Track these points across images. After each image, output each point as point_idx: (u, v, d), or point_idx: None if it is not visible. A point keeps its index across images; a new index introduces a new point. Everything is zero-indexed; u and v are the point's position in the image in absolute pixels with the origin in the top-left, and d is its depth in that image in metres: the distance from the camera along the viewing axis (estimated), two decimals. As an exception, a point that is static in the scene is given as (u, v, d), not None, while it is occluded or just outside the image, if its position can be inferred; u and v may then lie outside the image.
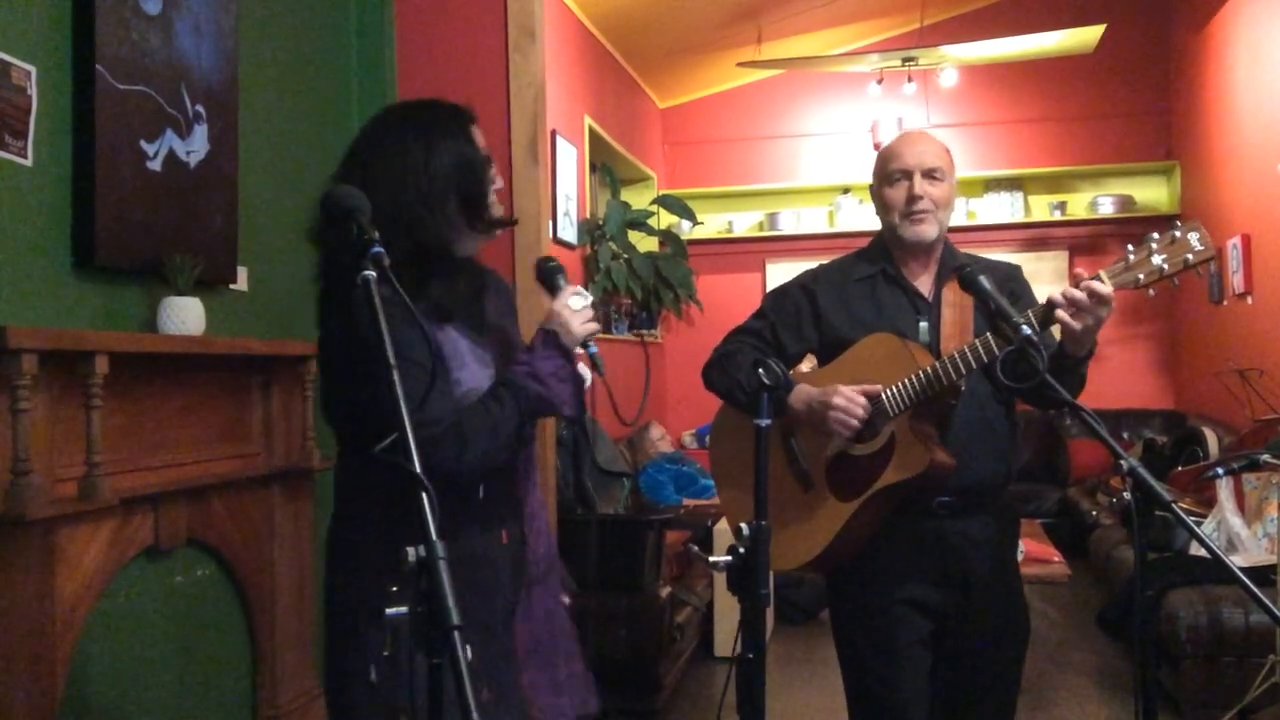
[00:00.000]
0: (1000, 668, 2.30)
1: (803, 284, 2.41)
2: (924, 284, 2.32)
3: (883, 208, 2.34)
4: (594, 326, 1.82)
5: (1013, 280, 2.35)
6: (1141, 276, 2.00)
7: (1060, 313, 1.97)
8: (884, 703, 2.24)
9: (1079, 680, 4.54)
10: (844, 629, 2.33)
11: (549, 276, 1.90)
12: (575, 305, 1.81)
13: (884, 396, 2.16)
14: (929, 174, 2.27)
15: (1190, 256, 1.98)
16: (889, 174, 2.31)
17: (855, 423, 2.15)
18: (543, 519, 1.97)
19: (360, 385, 1.66)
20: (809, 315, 2.36)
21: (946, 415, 2.20)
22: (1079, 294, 1.97)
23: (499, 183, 1.88)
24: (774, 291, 2.48)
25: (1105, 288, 1.97)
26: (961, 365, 2.08)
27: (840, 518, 2.21)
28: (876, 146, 7.86)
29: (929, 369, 2.11)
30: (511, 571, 1.85)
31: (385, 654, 1.67)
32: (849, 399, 2.15)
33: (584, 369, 1.87)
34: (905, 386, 2.14)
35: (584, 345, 1.82)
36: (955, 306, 2.27)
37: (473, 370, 1.76)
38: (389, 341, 1.37)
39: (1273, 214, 5.66)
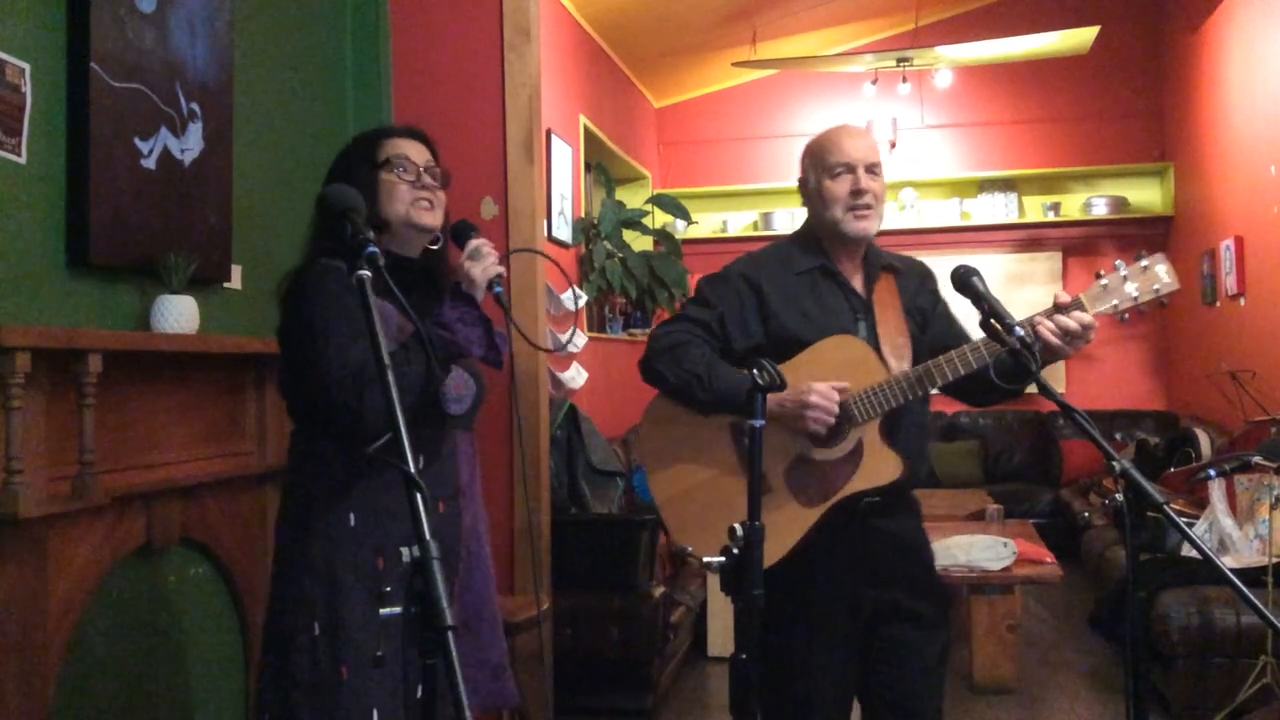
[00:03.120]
0: (931, 654, 2.29)
1: (744, 274, 2.31)
2: (856, 282, 2.31)
3: (822, 202, 2.28)
4: (496, 270, 1.99)
5: (925, 281, 2.39)
6: (1118, 303, 2.10)
7: (1056, 341, 2.04)
8: (806, 700, 2.21)
9: (1070, 681, 4.55)
10: (773, 628, 2.21)
11: (457, 237, 2.06)
12: (475, 256, 1.98)
13: (853, 402, 2.15)
14: (871, 168, 2.25)
15: (1159, 288, 2.10)
16: (829, 166, 2.26)
17: (831, 420, 2.14)
18: (478, 504, 2.14)
19: (313, 340, 1.87)
20: (754, 309, 2.28)
21: (899, 419, 2.22)
22: (1073, 325, 2.05)
23: (424, 180, 2.03)
24: (714, 280, 2.35)
25: (1090, 319, 2.06)
26: (944, 372, 2.12)
27: (805, 523, 2.18)
28: (871, 147, 7.87)
29: (907, 377, 2.13)
30: (448, 542, 2.00)
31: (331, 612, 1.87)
32: (825, 396, 2.12)
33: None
34: (881, 393, 2.14)
35: (490, 288, 1.98)
36: (889, 307, 2.27)
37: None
38: (384, 341, 1.38)
39: (1266, 215, 5.68)
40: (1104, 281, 2.10)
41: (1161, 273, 2.08)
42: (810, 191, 2.32)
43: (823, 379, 2.15)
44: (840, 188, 2.24)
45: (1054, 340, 2.04)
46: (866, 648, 2.27)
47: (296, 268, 1.99)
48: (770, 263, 2.33)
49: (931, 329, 2.35)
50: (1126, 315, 2.12)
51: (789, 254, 2.33)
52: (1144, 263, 2.09)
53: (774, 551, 2.15)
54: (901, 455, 2.19)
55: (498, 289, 1.99)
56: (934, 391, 2.22)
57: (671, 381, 2.24)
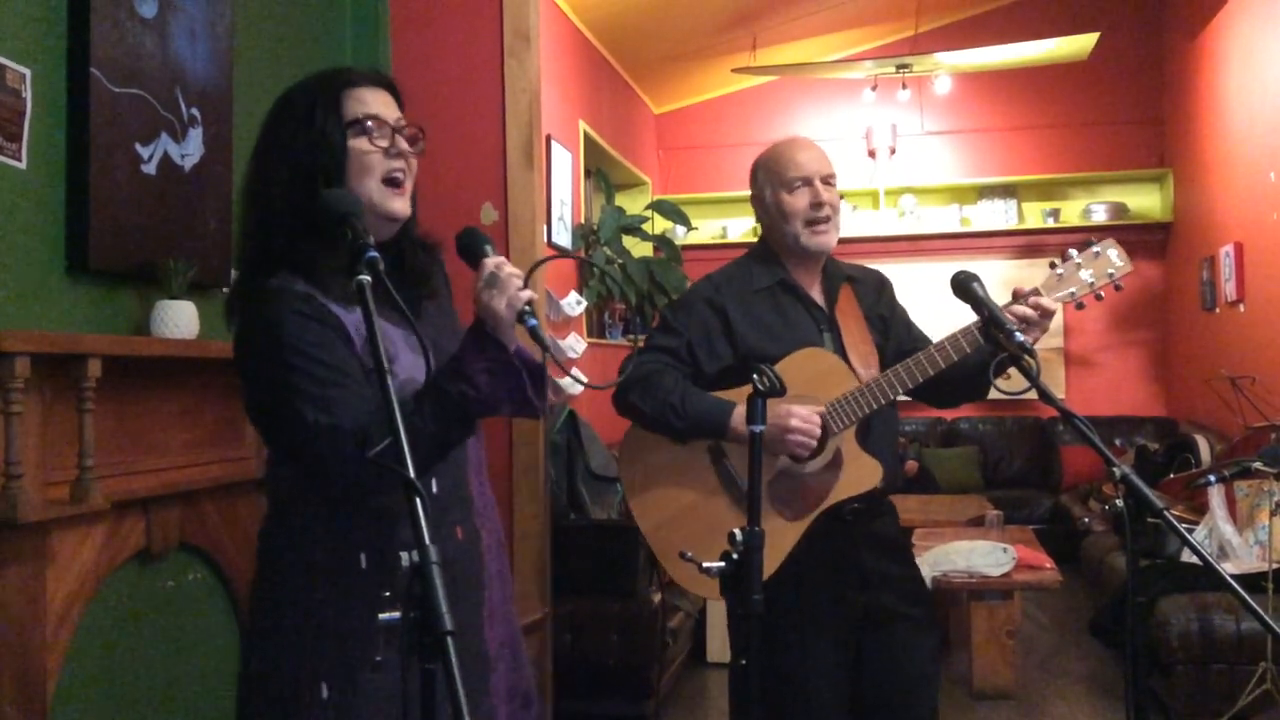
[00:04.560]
0: (925, 655, 2.31)
1: (707, 298, 2.32)
2: (816, 295, 2.33)
3: (781, 216, 2.28)
4: (525, 296, 1.55)
5: (883, 289, 2.41)
6: (1074, 290, 2.10)
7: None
8: (807, 708, 2.21)
9: (1071, 687, 4.54)
10: (767, 638, 2.17)
11: (467, 254, 1.63)
12: (495, 282, 1.55)
13: (828, 413, 2.16)
14: (827, 180, 2.26)
15: (1112, 271, 2.10)
16: (788, 181, 2.27)
17: (814, 444, 2.15)
18: (493, 515, 1.84)
19: (282, 392, 1.56)
20: (719, 331, 2.28)
21: (869, 424, 2.23)
22: (1030, 312, 2.05)
23: (398, 146, 1.67)
24: (678, 306, 2.38)
25: (1052, 304, 2.07)
26: (915, 374, 2.14)
27: (792, 537, 2.18)
28: (870, 153, 7.88)
29: (880, 381, 2.15)
30: (472, 569, 1.75)
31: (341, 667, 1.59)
32: (806, 420, 2.12)
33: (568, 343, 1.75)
34: (855, 400, 2.15)
35: (522, 320, 1.55)
36: (851, 317, 2.29)
37: (406, 359, 1.63)
38: (382, 349, 1.36)
39: (1265, 222, 5.68)
40: (1059, 270, 2.11)
41: (1114, 256, 2.10)
42: (767, 207, 2.32)
43: (796, 391, 2.13)
44: (799, 202, 2.26)
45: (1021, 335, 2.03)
46: (859, 652, 2.28)
47: (242, 286, 1.69)
48: (730, 283, 2.33)
49: (893, 335, 2.38)
50: (1084, 304, 2.13)
51: (747, 272, 2.34)
52: (1095, 249, 2.10)
53: (765, 567, 2.12)
54: (879, 460, 2.21)
55: (531, 322, 1.54)
56: (902, 396, 2.24)
57: (646, 412, 2.24)
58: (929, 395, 2.30)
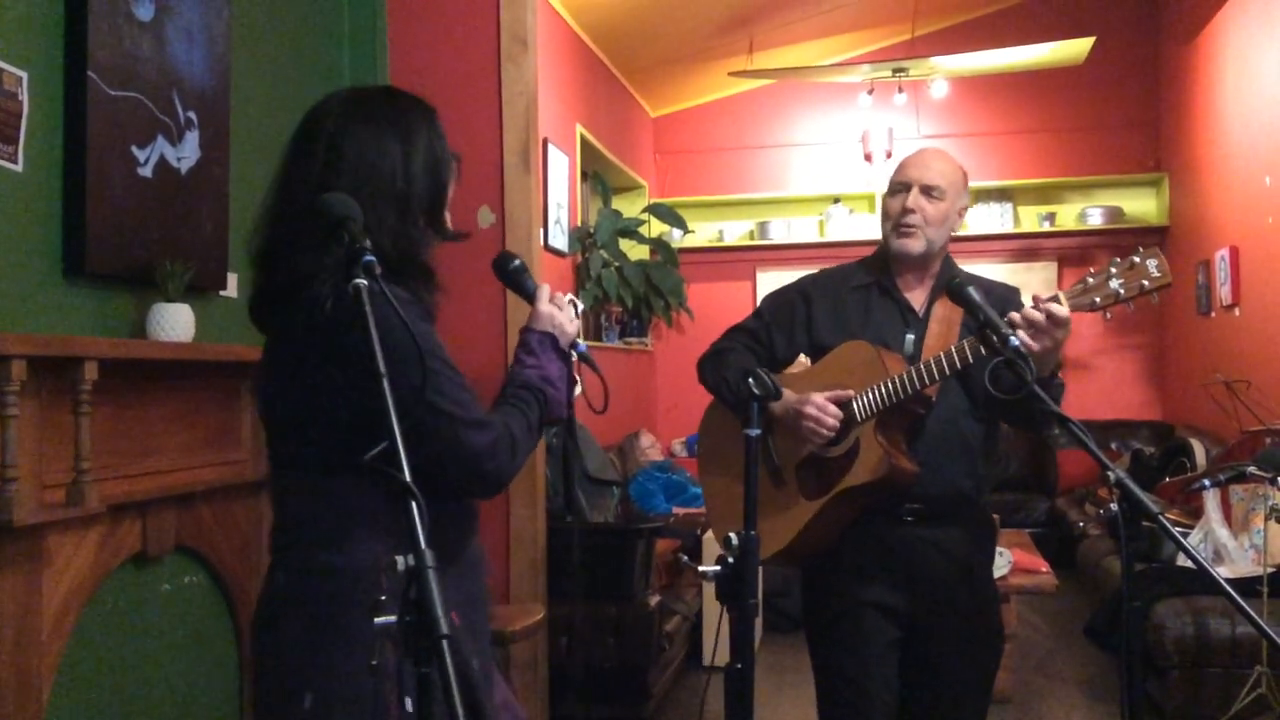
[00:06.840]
0: (969, 678, 2.31)
1: (801, 289, 2.46)
2: (917, 297, 2.36)
3: (882, 216, 2.39)
4: (578, 324, 1.84)
5: (1009, 302, 2.35)
6: (1098, 299, 2.05)
7: (1020, 333, 1.97)
8: (851, 704, 2.28)
9: (1066, 690, 4.55)
10: (815, 630, 2.39)
11: (516, 277, 1.87)
12: (561, 304, 1.82)
13: (854, 402, 2.22)
14: (927, 190, 2.30)
15: (1146, 283, 2.04)
16: (892, 184, 2.36)
17: (825, 432, 2.21)
18: None
19: (431, 397, 1.52)
20: (802, 320, 2.42)
21: (915, 425, 2.25)
22: (1037, 315, 2.01)
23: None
24: (774, 294, 2.54)
25: (1062, 310, 2.02)
26: (925, 376, 2.15)
27: (805, 515, 2.28)
28: (867, 157, 7.89)
29: (896, 378, 2.17)
30: (485, 577, 1.81)
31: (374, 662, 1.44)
32: (820, 408, 2.21)
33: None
34: (874, 393, 2.20)
35: (573, 345, 1.82)
36: (943, 322, 2.31)
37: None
38: (380, 350, 1.36)
39: (1260, 226, 5.69)
40: (1090, 279, 2.07)
41: (1151, 267, 2.04)
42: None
43: (830, 380, 2.25)
44: (894, 204, 2.34)
45: (1022, 335, 1.99)
46: (904, 662, 2.29)
47: (335, 291, 1.53)
48: (828, 278, 2.47)
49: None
50: (1109, 313, 2.07)
51: (849, 272, 2.45)
52: (1135, 258, 2.05)
53: (776, 540, 2.29)
54: (913, 461, 2.21)
55: (581, 348, 1.84)
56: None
57: (709, 382, 2.46)
58: (1008, 417, 2.31)
